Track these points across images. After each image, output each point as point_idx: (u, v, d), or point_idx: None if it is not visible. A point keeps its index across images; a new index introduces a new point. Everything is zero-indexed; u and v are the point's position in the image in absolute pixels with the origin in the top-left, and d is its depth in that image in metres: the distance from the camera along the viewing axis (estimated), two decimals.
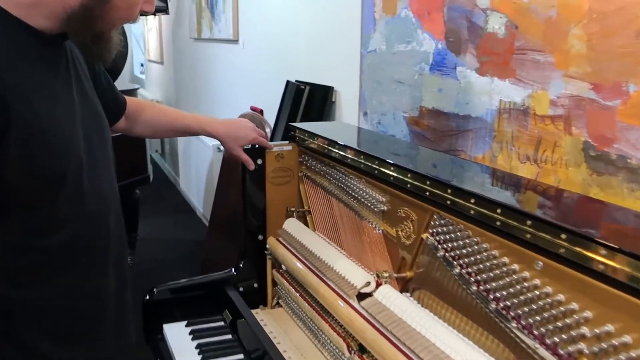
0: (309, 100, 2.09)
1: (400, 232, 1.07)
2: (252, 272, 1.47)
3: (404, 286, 1.08)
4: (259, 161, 1.41)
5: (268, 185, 1.45)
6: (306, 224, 1.44)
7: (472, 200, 0.86)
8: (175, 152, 4.91)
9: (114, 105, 1.18)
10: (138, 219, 3.37)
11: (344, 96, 1.97)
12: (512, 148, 1.22)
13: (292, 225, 1.40)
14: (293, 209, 1.45)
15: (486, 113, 1.28)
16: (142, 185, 3.07)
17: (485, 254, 0.86)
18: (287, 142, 1.48)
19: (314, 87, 2.09)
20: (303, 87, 2.09)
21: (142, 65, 6.82)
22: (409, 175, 1.01)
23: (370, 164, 1.13)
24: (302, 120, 2.09)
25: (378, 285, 1.06)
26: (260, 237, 1.46)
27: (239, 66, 3.20)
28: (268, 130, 2.66)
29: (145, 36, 6.12)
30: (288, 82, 2.22)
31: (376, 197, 1.14)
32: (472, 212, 0.86)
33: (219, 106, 3.70)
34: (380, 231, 1.14)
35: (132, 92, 5.00)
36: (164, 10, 4.13)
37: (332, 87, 2.01)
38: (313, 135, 1.37)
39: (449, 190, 0.91)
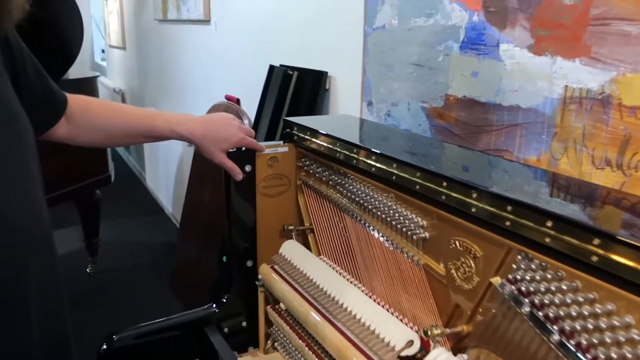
0: (297, 88, 1.78)
1: (454, 271, 0.77)
2: (239, 307, 1.16)
3: (456, 344, 0.78)
4: (248, 168, 1.09)
5: (259, 197, 1.14)
6: (308, 246, 1.13)
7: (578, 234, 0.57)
8: (140, 145, 4.52)
9: (47, 102, 0.84)
10: (99, 223, 3.01)
11: (341, 83, 1.66)
12: (582, 149, 0.93)
13: (291, 249, 1.10)
14: (291, 227, 1.15)
15: (543, 103, 0.99)
16: (103, 186, 2.71)
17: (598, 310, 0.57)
18: (282, 141, 1.17)
19: (303, 72, 1.77)
20: (291, 72, 1.77)
21: (103, 51, 6.36)
22: (474, 196, 0.71)
23: (407, 176, 0.83)
24: (289, 113, 1.77)
25: (424, 344, 0.77)
26: (249, 263, 1.15)
27: (212, 50, 2.85)
28: (246, 123, 2.33)
29: (105, 19, 5.67)
30: (272, 66, 1.90)
31: (412, 219, 0.84)
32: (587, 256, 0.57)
33: (190, 96, 3.35)
34: (421, 265, 0.84)
35: (88, 82, 4.56)
36: None
37: (326, 73, 1.69)
38: (316, 133, 1.06)
39: (549, 223, 0.61)
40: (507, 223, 0.66)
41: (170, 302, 2.70)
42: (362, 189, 0.96)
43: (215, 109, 2.70)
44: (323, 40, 1.73)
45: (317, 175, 1.09)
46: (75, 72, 4.83)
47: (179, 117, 1.01)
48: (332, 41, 1.66)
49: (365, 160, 0.92)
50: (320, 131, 1.05)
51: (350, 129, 1.22)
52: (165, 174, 3.84)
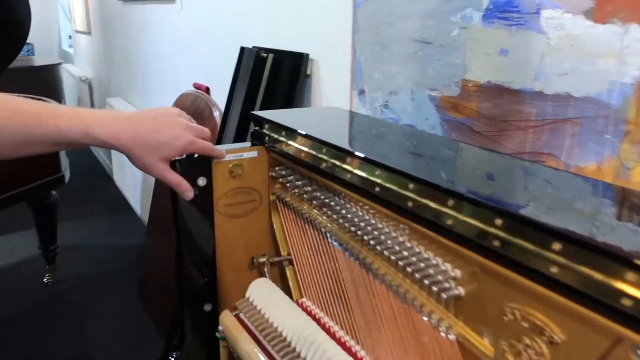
0: (273, 75, 1.48)
1: (512, 357, 0.49)
2: None
3: None
4: (202, 181, 0.80)
5: (219, 218, 0.85)
6: (286, 283, 0.85)
7: None
8: None
9: None
10: (56, 227, 2.69)
11: (325, 67, 1.37)
12: None
13: (263, 291, 0.81)
14: (263, 259, 0.86)
15: (608, 91, 0.72)
16: (57, 187, 2.39)
17: None
18: (249, 144, 0.88)
19: (280, 54, 1.48)
20: (265, 54, 1.47)
21: (70, 37, 5.96)
22: (556, 248, 0.43)
23: (430, 203, 0.55)
24: (264, 104, 1.48)
25: None
26: (207, 307, 0.86)
27: (178, 33, 2.53)
28: (217, 115, 2.03)
29: (70, 4, 5.27)
30: (243, 48, 1.60)
31: (437, 265, 0.56)
32: None
33: (156, 85, 3.02)
34: (452, 336, 0.56)
35: (50, 70, 4.20)
36: None
37: (307, 55, 1.40)
38: (293, 133, 0.78)
39: None
40: (626, 303, 0.38)
41: (139, 314, 2.41)
42: (360, 213, 0.68)
43: (182, 99, 2.39)
44: (302, 16, 1.43)
45: (296, 189, 0.80)
46: (40, 60, 4.48)
47: (98, 115, 0.71)
48: (314, 16, 1.37)
49: (362, 174, 0.64)
50: (298, 131, 0.77)
51: (338, 127, 0.94)
52: (132, 169, 3.51)
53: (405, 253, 0.60)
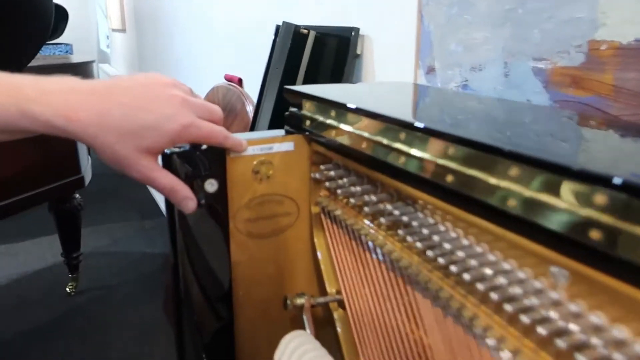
0: (315, 56, 1.22)
1: None
2: None
3: None
4: (211, 186, 0.54)
5: (236, 238, 0.59)
6: (336, 337, 0.57)
7: None
8: None
9: None
10: (79, 234, 2.49)
11: (380, 43, 1.09)
12: None
13: (300, 351, 0.54)
14: (299, 300, 0.59)
15: None
16: (76, 190, 2.18)
17: None
18: (282, 132, 0.61)
19: (323, 31, 1.21)
20: (305, 30, 1.21)
21: (107, 37, 5.87)
22: None
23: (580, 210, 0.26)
24: None
25: None
26: None
27: (211, 22, 2.30)
28: (250, 110, 1.78)
29: (106, 4, 5.17)
30: (282, 24, 1.33)
31: (584, 317, 0.27)
32: None
33: (189, 80, 2.81)
34: None
35: (82, 68, 4.03)
36: None
37: (356, 30, 1.13)
38: (352, 113, 0.50)
39: None
40: None
41: (166, 329, 2.19)
42: (465, 242, 0.40)
43: (213, 93, 2.15)
44: None
45: (352, 198, 0.53)
46: (74, 58, 4.35)
47: (46, 85, 0.46)
48: None
49: (477, 175, 0.36)
50: (358, 108, 0.49)
51: (417, 105, 0.65)
52: None
53: (531, 297, 0.32)
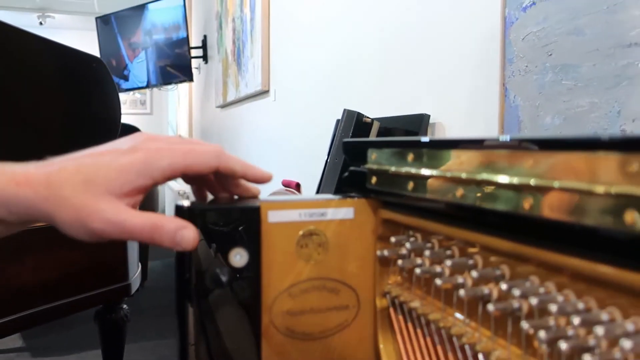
0: None
1: None
2: None
3: None
4: (239, 258, 0.39)
5: (273, 337, 0.42)
6: None
7: None
8: None
9: None
10: (122, 349, 2.33)
11: (454, 127, 0.96)
12: None
13: None
14: None
15: None
16: (121, 298, 2.06)
17: None
18: (338, 197, 0.46)
19: (388, 121, 1.10)
20: (368, 119, 1.10)
21: None
22: None
23: None
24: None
25: None
26: None
27: (270, 127, 2.29)
28: None
29: (177, 118, 5.48)
30: (343, 112, 1.23)
31: None
32: None
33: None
34: None
35: None
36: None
37: (427, 117, 1.01)
38: (433, 147, 0.35)
39: None
40: None
41: None
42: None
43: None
44: (419, 72, 1.06)
45: (438, 279, 0.36)
46: None
47: (5, 166, 0.36)
48: (435, 65, 1.00)
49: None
50: (450, 140, 0.34)
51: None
52: None
53: None
